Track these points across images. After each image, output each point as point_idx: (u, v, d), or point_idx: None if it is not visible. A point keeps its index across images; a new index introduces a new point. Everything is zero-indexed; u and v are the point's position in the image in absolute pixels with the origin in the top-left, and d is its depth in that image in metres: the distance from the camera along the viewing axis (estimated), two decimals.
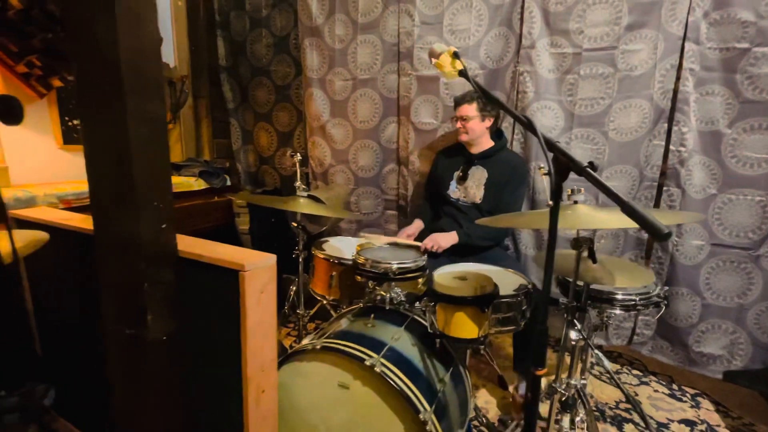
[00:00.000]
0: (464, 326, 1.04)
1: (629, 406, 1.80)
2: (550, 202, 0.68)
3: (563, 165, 0.67)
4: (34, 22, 1.71)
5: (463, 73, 1.01)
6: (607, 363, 1.04)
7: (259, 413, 1.01)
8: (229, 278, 0.91)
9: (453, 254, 1.75)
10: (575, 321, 1.07)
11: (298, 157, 2.10)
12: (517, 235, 2.13)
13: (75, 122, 2.06)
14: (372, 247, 1.36)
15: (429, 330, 1.16)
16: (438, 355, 1.18)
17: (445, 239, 1.74)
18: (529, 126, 0.75)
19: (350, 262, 1.56)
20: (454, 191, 1.95)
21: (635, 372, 2.11)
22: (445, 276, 1.16)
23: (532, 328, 1.50)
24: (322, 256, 1.62)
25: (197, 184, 2.42)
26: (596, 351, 1.06)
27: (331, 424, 1.13)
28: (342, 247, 1.76)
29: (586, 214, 0.98)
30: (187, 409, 1.01)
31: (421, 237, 1.95)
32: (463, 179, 1.91)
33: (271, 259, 0.96)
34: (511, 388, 1.76)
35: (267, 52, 2.67)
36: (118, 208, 0.88)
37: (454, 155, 1.98)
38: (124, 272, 0.91)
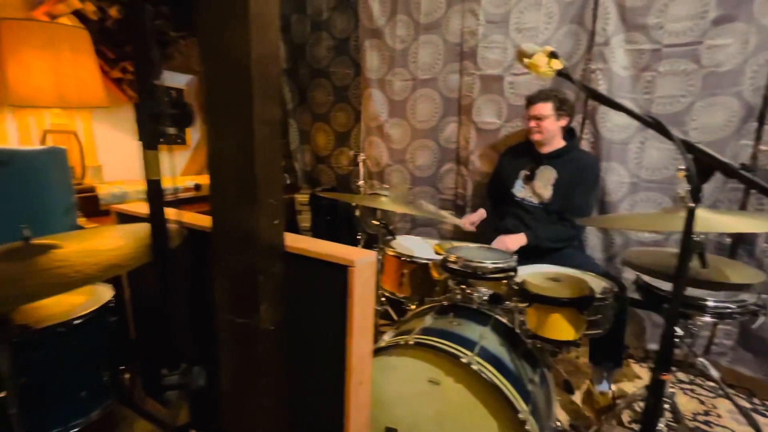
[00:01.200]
0: (560, 328, 1.03)
1: (708, 418, 1.72)
2: (691, 204, 0.66)
3: (705, 166, 0.65)
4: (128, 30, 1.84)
5: (563, 73, 1.00)
6: (714, 373, 0.99)
7: (357, 404, 1.04)
8: (338, 273, 0.95)
9: (520, 256, 1.73)
10: (677, 328, 1.04)
11: (362, 156, 2.14)
12: (583, 238, 2.08)
13: None
14: (460, 247, 1.37)
15: (517, 330, 1.16)
16: (525, 356, 1.18)
17: (514, 241, 1.72)
18: (659, 127, 0.73)
19: (422, 261, 1.59)
20: (520, 191, 1.92)
21: (709, 384, 2.01)
22: (537, 277, 1.15)
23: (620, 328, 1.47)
24: (392, 254, 1.65)
25: None
26: (702, 360, 1.02)
27: (418, 418, 1.15)
28: (409, 245, 1.79)
29: (702, 217, 0.95)
30: (290, 395, 1.06)
31: (484, 228, 1.96)
32: (530, 179, 1.88)
33: (372, 256, 1.00)
34: (586, 384, 1.69)
35: (327, 54, 2.73)
36: (239, 204, 0.93)
37: (521, 154, 1.96)
38: (240, 264, 0.96)
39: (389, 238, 1.86)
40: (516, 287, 1.15)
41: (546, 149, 1.86)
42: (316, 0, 2.68)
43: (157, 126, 0.60)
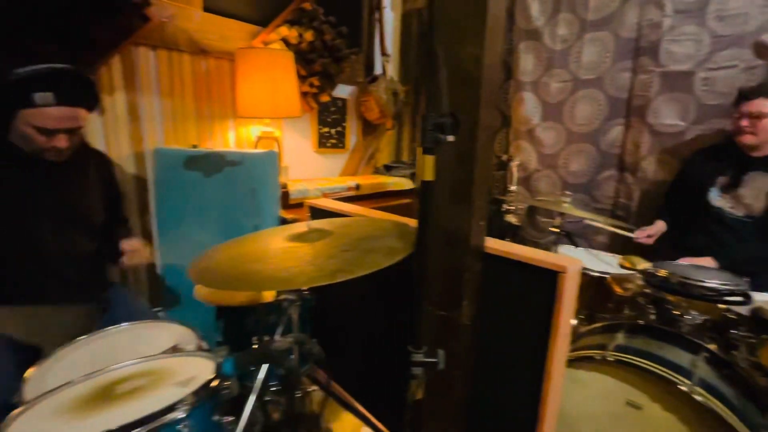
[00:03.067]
0: None
1: None
2: None
3: None
4: (316, 50, 2.14)
5: None
6: None
7: (551, 409, 1.03)
8: (547, 278, 0.96)
9: None
10: None
11: (517, 161, 2.10)
12: None
13: (325, 130, 2.51)
14: (665, 263, 1.25)
15: (740, 364, 1.01)
16: (753, 398, 1.01)
17: None
18: None
19: (595, 273, 1.49)
20: (717, 200, 1.65)
21: None
22: None
23: None
24: None
25: (406, 183, 2.66)
26: None
27: None
28: (576, 256, 1.69)
29: None
30: (483, 393, 1.10)
31: (660, 244, 1.74)
32: (731, 187, 1.61)
33: (579, 263, 0.98)
34: None
35: None
36: (454, 204, 1.00)
37: (717, 157, 1.68)
38: (449, 261, 1.03)
39: (564, 246, 1.78)
40: (747, 315, 1.00)
41: (758, 152, 1.56)
42: None
43: (437, 134, 0.69)
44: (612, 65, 2.10)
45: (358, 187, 2.35)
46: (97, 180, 1.23)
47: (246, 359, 0.68)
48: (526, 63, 2.39)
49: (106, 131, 1.65)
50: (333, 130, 2.57)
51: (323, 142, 2.51)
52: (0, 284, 1.00)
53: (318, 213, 1.71)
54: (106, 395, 0.67)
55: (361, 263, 0.68)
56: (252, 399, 0.74)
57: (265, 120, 2.02)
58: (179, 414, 0.60)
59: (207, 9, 1.83)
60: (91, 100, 1.07)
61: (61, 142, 1.02)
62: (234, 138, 2.08)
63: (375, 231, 0.89)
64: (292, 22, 2.04)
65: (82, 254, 1.14)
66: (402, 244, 0.78)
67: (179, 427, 0.60)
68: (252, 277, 0.67)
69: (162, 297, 1.71)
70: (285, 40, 2.03)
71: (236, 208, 1.70)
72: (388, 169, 2.79)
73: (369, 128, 2.82)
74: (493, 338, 1.09)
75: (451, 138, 0.70)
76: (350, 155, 2.74)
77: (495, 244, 1.06)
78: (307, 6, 2.07)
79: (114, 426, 0.57)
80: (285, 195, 2.00)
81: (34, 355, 0.93)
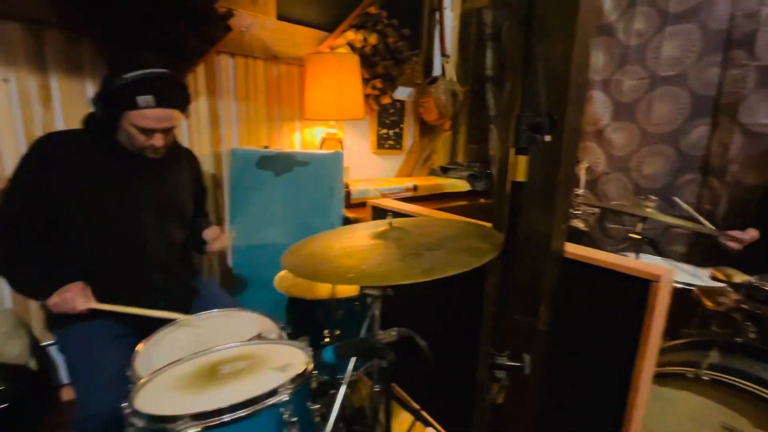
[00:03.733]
0: None
1: None
2: None
3: None
4: (379, 53, 2.18)
5: None
6: None
7: (635, 424, 0.97)
8: (636, 287, 0.90)
9: None
10: None
11: (585, 164, 2.00)
12: None
13: (383, 131, 2.55)
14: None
15: None
16: None
17: None
18: None
19: (681, 285, 1.38)
20: None
21: None
22: None
23: None
24: None
25: (462, 185, 2.62)
26: None
27: None
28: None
29: None
30: (561, 400, 1.06)
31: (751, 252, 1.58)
32: None
33: (672, 272, 0.91)
34: None
35: None
36: (536, 206, 0.98)
37: None
38: (529, 265, 1.01)
39: (643, 255, 1.68)
40: None
41: None
42: None
43: (533, 134, 0.68)
44: (698, 60, 1.94)
45: (415, 188, 2.36)
46: (188, 176, 1.34)
47: (346, 350, 0.71)
48: (596, 60, 2.27)
49: (191, 132, 1.79)
50: (391, 132, 2.60)
51: (381, 143, 2.55)
52: (110, 271, 1.12)
53: (380, 213, 1.74)
54: (211, 374, 0.73)
55: (452, 262, 0.69)
56: (343, 389, 0.78)
57: (330, 122, 2.09)
58: (283, 397, 0.64)
59: (280, 17, 1.93)
60: (184, 103, 1.17)
61: (158, 140, 1.12)
62: (299, 139, 2.18)
63: (453, 232, 0.90)
64: (357, 27, 2.10)
65: (176, 244, 1.25)
66: (487, 245, 0.78)
67: (282, 410, 0.64)
68: (346, 272, 0.70)
69: (232, 286, 1.83)
70: (350, 44, 2.09)
71: (304, 206, 1.77)
72: (444, 171, 2.77)
73: (426, 129, 2.82)
74: (573, 347, 1.04)
75: (548, 138, 0.68)
76: (407, 156, 2.76)
77: (577, 250, 1.02)
78: (372, 10, 2.11)
79: (225, 404, 0.62)
80: (347, 195, 2.05)
81: (138, 334, 1.04)
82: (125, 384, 0.82)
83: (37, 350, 1.51)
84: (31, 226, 1.05)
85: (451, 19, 2.84)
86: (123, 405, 0.67)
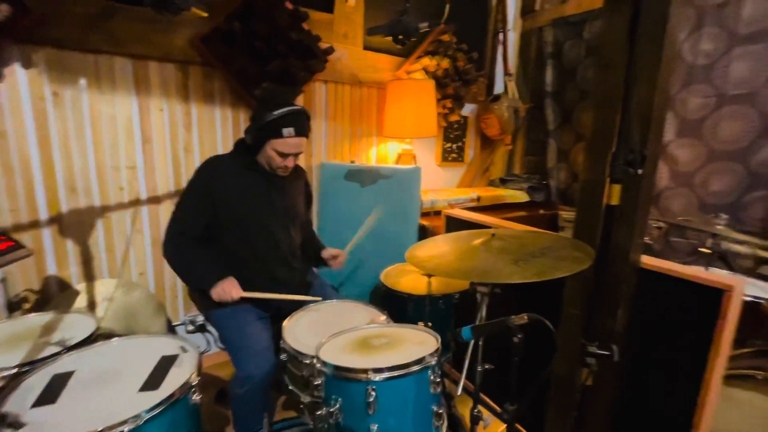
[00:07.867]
0: None
1: None
2: None
3: None
4: (449, 75, 2.38)
5: None
6: None
7: (705, 421, 1.09)
8: (709, 296, 1.04)
9: None
10: None
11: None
12: None
13: (448, 145, 2.75)
14: None
15: None
16: None
17: None
18: None
19: (751, 299, 1.46)
20: None
21: None
22: None
23: None
24: None
25: (521, 196, 2.76)
26: None
27: None
28: None
29: None
30: (636, 398, 1.20)
31: None
32: None
33: (744, 282, 1.03)
34: None
35: None
36: (620, 225, 1.13)
37: None
38: (612, 272, 1.16)
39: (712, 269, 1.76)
40: None
41: None
42: (595, 23, 2.74)
43: (626, 168, 0.85)
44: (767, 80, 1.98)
45: (478, 198, 2.53)
46: (302, 188, 1.60)
47: (483, 330, 0.90)
48: None
49: None
50: (454, 145, 2.79)
51: (445, 156, 2.75)
52: (253, 265, 1.40)
53: (453, 222, 1.93)
54: (366, 344, 0.97)
55: (559, 267, 0.87)
56: (466, 363, 0.98)
57: (405, 139, 2.32)
58: (432, 361, 0.85)
59: (365, 47, 2.20)
60: (309, 131, 1.43)
61: (291, 162, 1.39)
62: (376, 153, 2.42)
63: (548, 243, 1.07)
64: (432, 53, 2.32)
65: (296, 244, 1.52)
66: (582, 254, 0.95)
67: (429, 372, 0.86)
68: (475, 270, 0.91)
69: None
70: (425, 69, 2.31)
71: (386, 215, 2.00)
72: (503, 182, 2.92)
73: (486, 143, 2.98)
74: (647, 350, 1.18)
75: (640, 171, 0.85)
76: (467, 168, 2.94)
77: (654, 262, 1.16)
78: (446, 38, 2.33)
79: (390, 364, 0.84)
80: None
81: (269, 317, 1.33)
82: (271, 352, 1.12)
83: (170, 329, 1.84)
84: (199, 230, 1.35)
85: (512, 38, 3.00)
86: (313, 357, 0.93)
